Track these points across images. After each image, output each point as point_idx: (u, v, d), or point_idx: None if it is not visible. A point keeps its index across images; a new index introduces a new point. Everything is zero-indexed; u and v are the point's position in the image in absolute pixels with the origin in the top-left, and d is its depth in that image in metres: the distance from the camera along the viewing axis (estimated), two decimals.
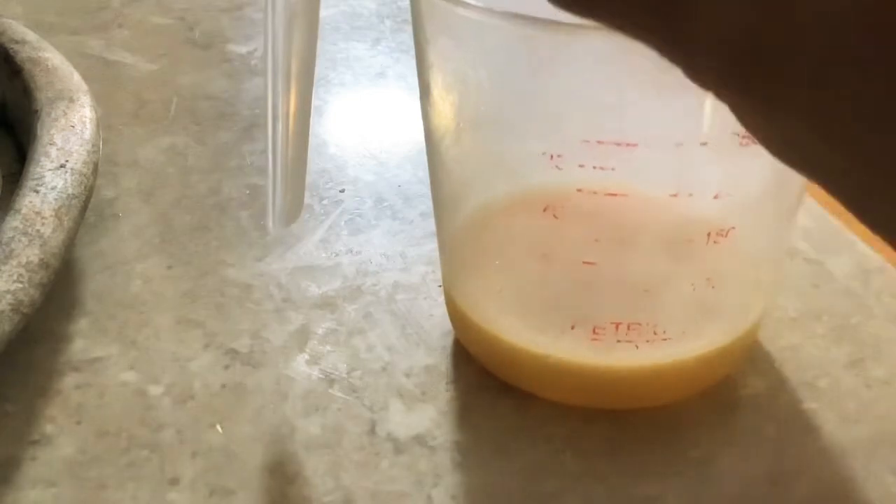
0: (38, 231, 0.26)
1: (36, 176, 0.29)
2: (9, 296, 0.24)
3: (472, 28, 0.22)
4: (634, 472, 0.24)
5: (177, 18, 0.48)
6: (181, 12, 0.49)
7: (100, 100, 0.36)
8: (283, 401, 0.26)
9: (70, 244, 0.28)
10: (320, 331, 0.29)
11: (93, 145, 0.31)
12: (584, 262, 0.23)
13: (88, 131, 0.31)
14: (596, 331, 0.24)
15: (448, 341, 0.28)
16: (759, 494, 0.24)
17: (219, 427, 0.25)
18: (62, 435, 0.25)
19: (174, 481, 0.24)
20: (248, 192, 0.35)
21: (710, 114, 0.21)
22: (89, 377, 0.27)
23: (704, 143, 0.21)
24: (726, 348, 0.25)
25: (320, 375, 0.27)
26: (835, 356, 0.28)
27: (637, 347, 0.24)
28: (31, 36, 0.37)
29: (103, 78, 0.42)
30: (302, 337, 0.28)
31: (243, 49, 0.45)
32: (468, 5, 0.21)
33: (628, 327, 0.24)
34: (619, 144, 0.21)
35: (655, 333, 0.24)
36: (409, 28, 0.24)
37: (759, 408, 0.26)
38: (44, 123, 0.31)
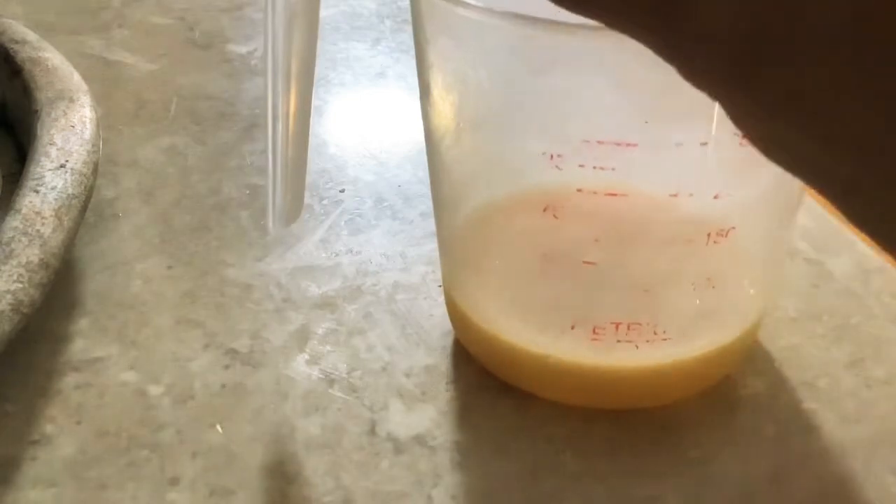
0: (38, 231, 0.26)
1: (36, 176, 0.29)
2: (9, 296, 0.24)
3: (472, 28, 0.22)
4: (634, 472, 0.24)
5: (177, 18, 0.48)
6: (181, 12, 0.49)
7: (100, 100, 0.36)
8: (283, 401, 0.26)
9: (70, 244, 0.28)
10: (320, 331, 0.29)
11: (93, 145, 0.31)
12: (584, 262, 0.23)
13: (88, 131, 0.31)
14: (596, 331, 0.24)
15: (448, 341, 0.28)
16: (759, 494, 0.24)
17: (219, 427, 0.25)
18: (62, 435, 0.25)
19: (174, 481, 0.24)
20: (248, 192, 0.35)
21: (710, 114, 0.21)
22: (89, 377, 0.27)
23: (704, 143, 0.21)
24: (726, 348, 0.25)
25: (320, 375, 0.27)
26: (835, 356, 0.28)
27: (637, 347, 0.24)
28: (31, 36, 0.37)
29: (103, 78, 0.42)
30: (302, 337, 0.28)
31: (243, 49, 0.45)
32: (468, 5, 0.21)
33: (628, 327, 0.24)
34: (619, 144, 0.21)
35: (655, 333, 0.24)
36: (409, 28, 0.24)
37: (759, 408, 0.26)
38: (44, 123, 0.31)
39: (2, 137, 0.37)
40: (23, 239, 0.26)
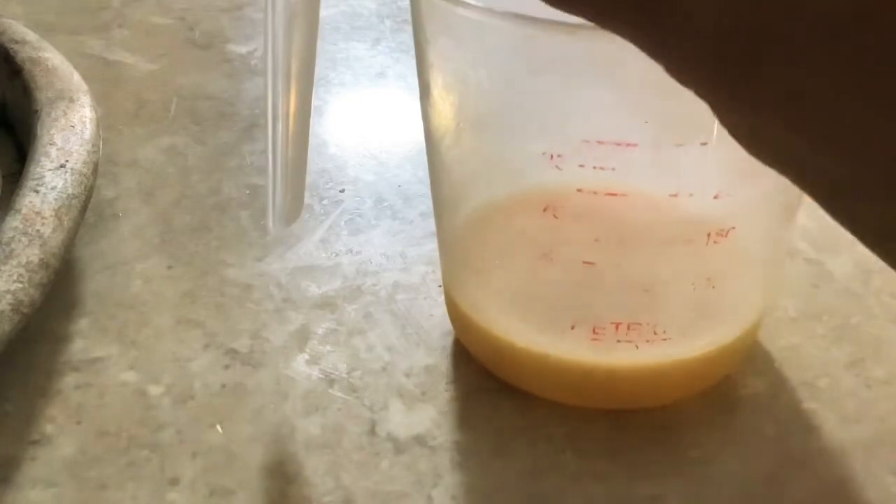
0: (38, 231, 0.26)
1: (36, 176, 0.29)
2: (9, 296, 0.24)
3: (472, 28, 0.22)
4: (634, 472, 0.24)
5: (177, 18, 0.48)
6: (181, 12, 0.49)
7: (100, 100, 0.36)
8: (283, 401, 0.26)
9: (70, 244, 0.28)
10: (320, 331, 0.29)
11: (93, 145, 0.31)
12: (584, 262, 0.23)
13: (88, 131, 0.31)
14: (596, 331, 0.24)
15: (448, 341, 0.28)
16: (759, 494, 0.24)
17: (219, 427, 0.25)
18: (62, 435, 0.25)
19: (174, 481, 0.24)
20: (248, 192, 0.35)
21: (710, 114, 0.21)
22: (89, 377, 0.27)
23: (704, 143, 0.21)
24: (726, 348, 0.25)
25: (320, 375, 0.27)
26: (835, 356, 0.28)
27: (637, 347, 0.24)
28: (31, 36, 0.37)
29: (103, 78, 0.42)
30: (302, 337, 0.28)
31: (243, 49, 0.45)
32: (468, 5, 0.21)
33: (628, 327, 0.24)
34: (619, 144, 0.21)
35: (655, 333, 0.24)
36: (409, 28, 0.24)
37: (759, 408, 0.26)
38: (44, 123, 0.31)
39: (2, 137, 0.37)
40: (23, 239, 0.26)
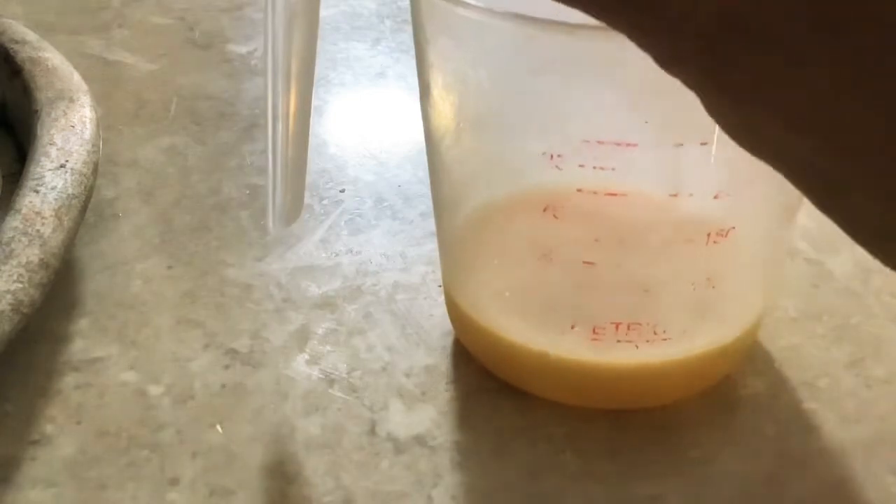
0: (38, 231, 0.26)
1: (36, 176, 0.29)
2: (9, 296, 0.24)
3: (472, 28, 0.22)
4: (634, 472, 0.24)
5: (177, 18, 0.48)
6: (181, 12, 0.49)
7: (100, 100, 0.36)
8: (283, 401, 0.26)
9: (70, 244, 0.28)
10: (320, 331, 0.29)
11: (93, 145, 0.31)
12: (584, 262, 0.23)
13: (88, 131, 0.31)
14: (596, 331, 0.24)
15: (448, 341, 0.28)
16: (759, 494, 0.24)
17: (219, 427, 0.25)
18: (62, 435, 0.25)
19: (174, 481, 0.24)
20: (248, 192, 0.35)
21: None
22: (89, 377, 0.27)
23: (704, 143, 0.21)
24: (726, 348, 0.25)
25: (320, 375, 0.27)
26: (835, 356, 0.28)
27: (637, 347, 0.24)
28: (31, 36, 0.37)
29: (103, 78, 0.42)
30: (302, 337, 0.28)
31: (243, 49, 0.45)
32: (468, 5, 0.21)
33: (628, 327, 0.24)
34: (619, 144, 0.21)
35: (655, 333, 0.24)
36: (409, 28, 0.24)
37: (759, 408, 0.26)
38: (44, 123, 0.31)
39: (2, 137, 0.37)
40: (23, 239, 0.26)
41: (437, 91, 0.24)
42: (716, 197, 0.22)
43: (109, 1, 0.49)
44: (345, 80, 0.43)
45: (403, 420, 0.26)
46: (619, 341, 0.24)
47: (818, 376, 0.27)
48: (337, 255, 0.32)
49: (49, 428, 0.25)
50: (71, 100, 0.33)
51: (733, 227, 0.23)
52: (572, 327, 0.24)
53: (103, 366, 0.27)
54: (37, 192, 0.28)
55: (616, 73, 0.21)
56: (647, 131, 0.21)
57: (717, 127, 0.14)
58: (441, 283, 0.29)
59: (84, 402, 0.26)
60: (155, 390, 0.26)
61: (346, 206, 0.34)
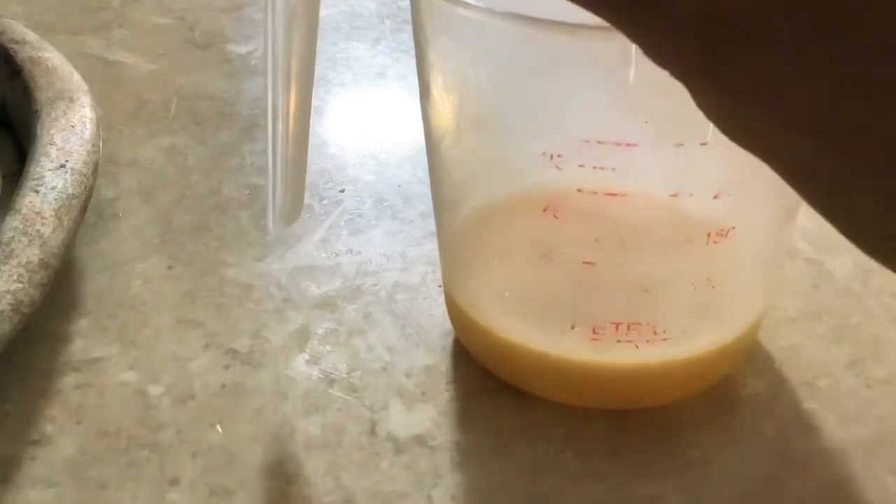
0: (38, 231, 0.26)
1: (36, 176, 0.29)
2: (9, 296, 0.24)
3: (472, 28, 0.22)
4: (634, 472, 0.24)
5: (177, 18, 0.48)
6: (181, 12, 0.49)
7: (100, 100, 0.36)
8: (283, 401, 0.26)
9: (70, 244, 0.28)
10: (320, 331, 0.29)
11: (93, 145, 0.31)
12: (584, 262, 0.23)
13: (88, 131, 0.31)
14: (596, 331, 0.24)
15: (448, 341, 0.28)
16: (759, 494, 0.24)
17: (219, 427, 0.25)
18: (62, 435, 0.25)
19: (174, 481, 0.24)
20: (248, 192, 0.35)
21: None
22: (89, 377, 0.27)
23: (704, 143, 0.21)
24: (726, 348, 0.25)
25: (320, 375, 0.27)
26: (835, 356, 0.28)
27: (637, 347, 0.24)
28: (31, 36, 0.37)
29: (103, 78, 0.42)
30: (302, 337, 0.28)
31: (243, 49, 0.45)
32: (468, 5, 0.21)
33: (628, 327, 0.24)
34: (619, 144, 0.21)
35: (655, 333, 0.24)
36: (409, 28, 0.24)
37: (759, 408, 0.26)
38: (44, 123, 0.31)
39: (2, 137, 0.37)
40: (23, 239, 0.26)
41: (437, 91, 0.24)
42: (716, 197, 0.22)
43: (109, 1, 0.49)
44: (345, 80, 0.43)
45: (403, 420, 0.26)
46: (619, 341, 0.24)
47: (818, 376, 0.27)
48: (337, 255, 0.32)
49: (49, 428, 0.25)
50: (71, 100, 0.33)
51: (733, 227, 0.23)
52: (572, 327, 0.24)
53: (103, 366, 0.27)
54: (37, 192, 0.28)
55: (616, 73, 0.21)
56: (647, 131, 0.21)
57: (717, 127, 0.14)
58: (441, 283, 0.29)
59: (84, 402, 0.26)
60: (155, 390, 0.26)
61: (346, 206, 0.34)
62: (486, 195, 0.26)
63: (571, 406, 0.26)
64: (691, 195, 0.22)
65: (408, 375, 0.27)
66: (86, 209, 0.29)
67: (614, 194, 0.22)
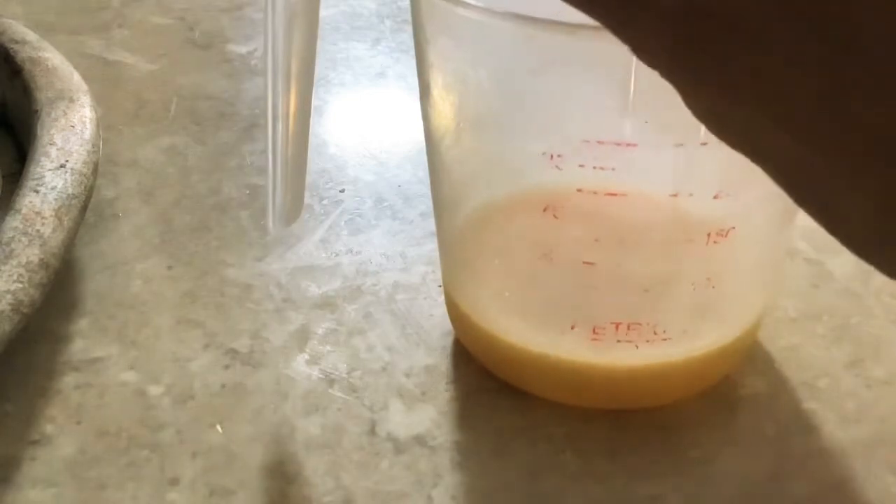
0: (38, 231, 0.26)
1: (36, 176, 0.29)
2: (9, 296, 0.24)
3: (472, 28, 0.22)
4: (634, 472, 0.24)
5: (177, 18, 0.48)
6: (181, 12, 0.49)
7: (100, 100, 0.36)
8: (283, 401, 0.26)
9: (70, 244, 0.28)
10: (320, 331, 0.29)
11: (93, 145, 0.31)
12: (584, 262, 0.23)
13: (88, 131, 0.31)
14: (596, 331, 0.24)
15: (448, 341, 0.28)
16: (759, 494, 0.24)
17: (219, 427, 0.25)
18: (62, 435, 0.25)
19: (174, 481, 0.24)
20: (248, 192, 0.35)
21: None
22: (89, 377, 0.27)
23: (704, 143, 0.21)
24: (726, 348, 0.25)
25: (320, 375, 0.27)
26: (835, 356, 0.28)
27: (637, 347, 0.24)
28: (31, 36, 0.37)
29: (103, 78, 0.42)
30: (302, 337, 0.28)
31: (243, 49, 0.45)
32: (468, 5, 0.21)
33: (628, 327, 0.24)
34: (619, 144, 0.21)
35: (655, 333, 0.24)
36: (409, 28, 0.24)
37: (759, 408, 0.26)
38: (44, 123, 0.31)
39: (2, 137, 0.37)
40: (23, 239, 0.26)
41: (437, 91, 0.24)
42: (716, 197, 0.22)
43: (109, 1, 0.49)
44: (345, 80, 0.43)
45: (403, 420, 0.26)
46: (619, 341, 0.24)
47: (818, 376, 0.27)
48: (337, 255, 0.32)
49: (49, 428, 0.25)
50: (71, 100, 0.33)
51: (733, 227, 0.23)
52: (572, 327, 0.24)
53: (103, 366, 0.27)
54: (37, 192, 0.28)
55: (616, 73, 0.21)
56: (647, 131, 0.21)
57: None
58: (441, 283, 0.29)
59: (84, 402, 0.26)
60: (155, 390, 0.26)
61: (346, 206, 0.34)
62: (486, 195, 0.26)
63: (571, 406, 0.26)
64: (691, 195, 0.22)
65: (408, 375, 0.27)
66: (86, 209, 0.29)
67: (614, 194, 0.22)
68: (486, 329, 0.26)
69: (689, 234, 0.23)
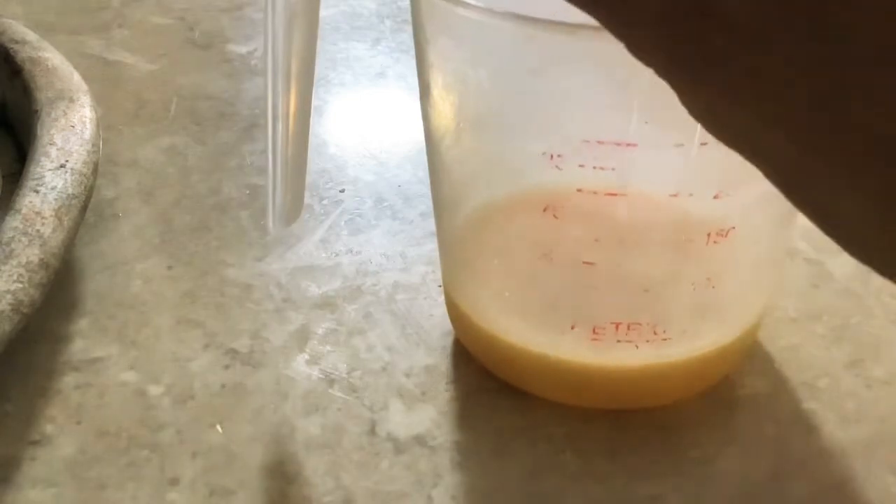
0: (38, 231, 0.26)
1: (36, 176, 0.29)
2: (9, 296, 0.24)
3: (472, 28, 0.22)
4: (634, 472, 0.24)
5: (177, 18, 0.48)
6: (181, 12, 0.49)
7: (100, 100, 0.36)
8: (283, 401, 0.26)
9: (70, 244, 0.28)
10: (320, 331, 0.29)
11: (93, 145, 0.31)
12: (584, 262, 0.23)
13: (88, 131, 0.31)
14: (596, 331, 0.24)
15: (448, 341, 0.28)
16: (759, 494, 0.24)
17: (219, 427, 0.25)
18: (62, 435, 0.25)
19: (174, 481, 0.24)
20: (248, 192, 0.35)
21: None
22: (89, 377, 0.27)
23: (704, 143, 0.21)
24: (726, 348, 0.25)
25: (320, 375, 0.27)
26: (835, 356, 0.28)
27: (637, 347, 0.24)
28: (31, 36, 0.37)
29: (103, 78, 0.42)
30: (302, 337, 0.28)
31: (243, 49, 0.45)
32: (468, 5, 0.21)
33: (628, 327, 0.24)
34: (619, 144, 0.21)
35: (655, 333, 0.24)
36: (409, 28, 0.24)
37: (759, 408, 0.26)
38: (44, 123, 0.31)
39: (2, 137, 0.37)
40: (23, 239, 0.26)
41: (437, 91, 0.24)
42: (716, 197, 0.22)
43: (109, 1, 0.49)
44: (345, 80, 0.43)
45: (403, 420, 0.26)
46: (619, 341, 0.24)
47: (818, 376, 0.27)
48: (337, 255, 0.32)
49: (49, 428, 0.25)
50: (71, 100, 0.33)
51: (733, 227, 0.23)
52: (572, 327, 0.24)
53: (103, 366, 0.27)
54: (37, 192, 0.28)
55: (616, 73, 0.21)
56: (647, 131, 0.21)
57: None
58: (441, 283, 0.29)
59: (84, 402, 0.26)
60: (155, 390, 0.26)
61: (346, 206, 0.34)
62: (486, 195, 0.26)
63: (571, 406, 0.26)
64: (691, 195, 0.22)
65: (408, 375, 0.27)
66: (86, 209, 0.29)
67: (614, 194, 0.22)
68: (486, 329, 0.26)
69: (689, 234, 0.23)
